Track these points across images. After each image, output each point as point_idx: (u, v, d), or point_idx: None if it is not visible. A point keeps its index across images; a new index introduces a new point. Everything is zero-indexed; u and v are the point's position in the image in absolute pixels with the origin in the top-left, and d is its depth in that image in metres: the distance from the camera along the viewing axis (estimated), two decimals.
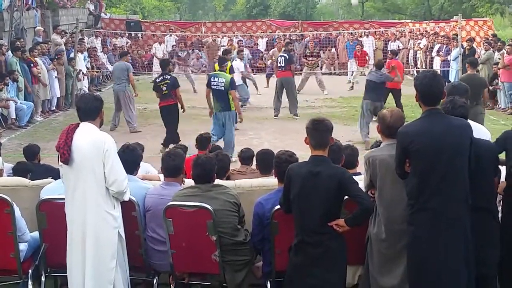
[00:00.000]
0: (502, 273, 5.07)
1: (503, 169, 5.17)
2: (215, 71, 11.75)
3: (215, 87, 10.96)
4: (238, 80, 16.10)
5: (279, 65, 15.82)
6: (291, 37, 26.85)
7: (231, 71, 13.93)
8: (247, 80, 18.27)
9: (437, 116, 4.45)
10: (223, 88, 10.87)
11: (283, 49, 17.21)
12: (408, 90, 18.01)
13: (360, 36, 25.26)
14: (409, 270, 4.48)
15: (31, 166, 7.14)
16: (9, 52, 15.42)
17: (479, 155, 4.53)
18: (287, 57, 15.71)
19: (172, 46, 23.98)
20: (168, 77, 12.11)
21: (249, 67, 18.91)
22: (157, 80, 12.30)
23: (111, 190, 4.76)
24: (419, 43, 24.35)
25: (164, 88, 11.93)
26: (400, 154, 4.46)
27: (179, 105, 12.17)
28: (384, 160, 4.64)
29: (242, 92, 16.86)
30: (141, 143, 7.17)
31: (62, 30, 21.20)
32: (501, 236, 4.95)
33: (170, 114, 12.12)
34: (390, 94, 14.62)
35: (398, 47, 25.10)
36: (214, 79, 11.04)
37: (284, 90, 15.87)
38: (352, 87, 21.03)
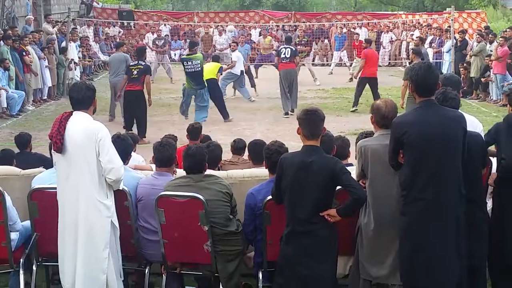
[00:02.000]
0: (492, 264, 5.10)
1: (494, 160, 5.19)
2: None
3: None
4: (237, 70, 16.48)
5: (283, 56, 14.85)
6: (284, 28, 26.83)
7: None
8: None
9: (432, 107, 4.46)
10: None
11: (284, 41, 17.06)
12: (401, 82, 18.17)
13: (354, 28, 25.22)
14: (401, 260, 4.50)
15: (15, 153, 7.12)
16: (1, 41, 15.32)
17: (468, 147, 4.54)
18: (293, 49, 15.16)
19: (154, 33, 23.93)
20: (143, 63, 12.23)
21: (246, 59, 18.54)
22: (131, 64, 12.46)
23: (108, 179, 4.75)
24: (411, 35, 24.35)
25: (135, 72, 11.96)
26: (394, 145, 4.47)
27: (146, 95, 12.18)
28: (376, 150, 4.65)
29: (237, 84, 16.91)
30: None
31: (53, 19, 21.08)
32: (491, 227, 4.98)
33: (136, 101, 12.02)
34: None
35: (391, 38, 25.13)
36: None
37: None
38: (351, 79, 20.71)
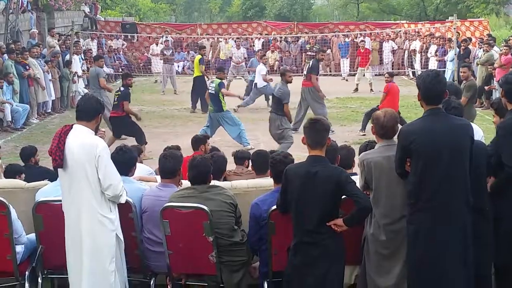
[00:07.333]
0: (498, 271, 5.08)
1: None
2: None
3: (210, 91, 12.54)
4: (261, 83, 16.60)
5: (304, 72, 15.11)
6: (287, 39, 26.86)
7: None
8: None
9: (439, 116, 4.46)
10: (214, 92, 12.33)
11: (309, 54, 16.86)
12: (404, 91, 18.14)
13: (356, 37, 25.26)
14: (409, 270, 4.49)
15: (22, 167, 7.13)
16: (5, 55, 15.40)
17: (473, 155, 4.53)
18: (310, 65, 14.53)
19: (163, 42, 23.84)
20: (122, 89, 12.05)
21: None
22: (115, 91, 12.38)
23: (106, 194, 4.74)
24: (410, 45, 24.43)
25: (115, 99, 11.96)
26: (401, 153, 4.46)
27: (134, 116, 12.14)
28: (378, 162, 4.65)
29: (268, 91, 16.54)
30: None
31: (57, 32, 21.16)
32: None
33: (122, 126, 11.87)
34: None
35: (393, 47, 25.13)
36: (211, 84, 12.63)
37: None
38: (356, 89, 20.72)
